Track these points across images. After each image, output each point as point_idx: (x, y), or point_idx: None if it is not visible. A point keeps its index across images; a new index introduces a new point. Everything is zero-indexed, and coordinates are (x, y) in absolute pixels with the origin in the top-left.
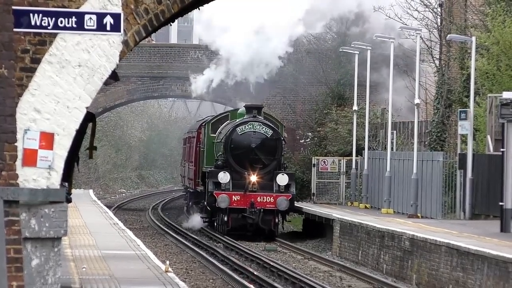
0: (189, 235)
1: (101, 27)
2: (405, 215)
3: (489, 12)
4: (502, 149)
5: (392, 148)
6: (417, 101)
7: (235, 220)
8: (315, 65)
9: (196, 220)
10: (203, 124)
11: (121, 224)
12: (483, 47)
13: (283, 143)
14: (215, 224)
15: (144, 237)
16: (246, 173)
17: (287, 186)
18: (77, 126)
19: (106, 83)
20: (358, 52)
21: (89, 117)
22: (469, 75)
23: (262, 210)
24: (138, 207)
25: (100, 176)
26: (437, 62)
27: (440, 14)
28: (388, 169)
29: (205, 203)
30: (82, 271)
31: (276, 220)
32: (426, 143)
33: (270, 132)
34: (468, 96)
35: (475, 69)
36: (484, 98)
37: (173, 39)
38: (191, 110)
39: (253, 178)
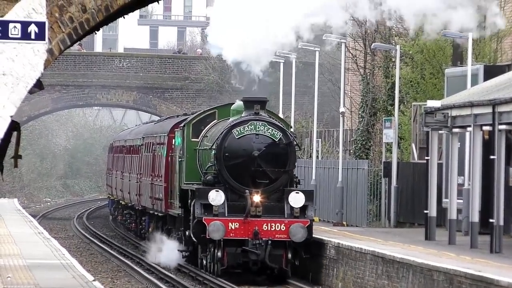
0: (115, 243)
1: (25, 35)
2: (330, 223)
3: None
4: (426, 157)
5: (317, 157)
6: (342, 109)
7: (233, 256)
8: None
9: (170, 254)
10: (180, 125)
11: (46, 233)
12: (407, 56)
13: (297, 149)
14: (203, 261)
15: (69, 246)
16: (247, 191)
17: (303, 209)
18: (1, 135)
19: (30, 92)
20: (283, 61)
21: (14, 126)
22: (393, 83)
23: (269, 242)
24: (63, 216)
25: (25, 185)
26: (362, 70)
27: (364, 23)
28: (313, 177)
29: (189, 232)
30: (7, 281)
31: (289, 255)
32: (351, 151)
33: (278, 134)
34: (392, 105)
35: (400, 78)
36: (409, 107)
37: (98, 48)
38: (116, 119)
39: (257, 198)
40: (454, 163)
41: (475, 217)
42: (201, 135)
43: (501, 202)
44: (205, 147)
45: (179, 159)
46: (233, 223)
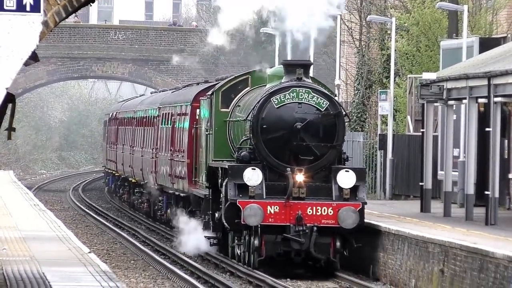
0: (110, 216)
1: (21, 7)
2: None
3: None
4: (422, 130)
5: None
6: (337, 82)
7: (272, 245)
8: (235, 46)
9: (195, 241)
10: (206, 93)
11: (41, 205)
12: (403, 28)
13: (347, 121)
14: (235, 250)
15: (64, 218)
16: (288, 169)
17: (353, 190)
18: None
19: (26, 64)
20: (278, 32)
21: (9, 98)
22: (389, 56)
23: (315, 228)
24: (59, 188)
25: (20, 157)
26: (357, 43)
27: None
28: None
29: (219, 216)
30: (2, 253)
31: (338, 244)
32: (347, 123)
33: (325, 103)
34: (388, 77)
35: (395, 50)
36: (404, 79)
37: (93, 20)
38: (111, 91)
39: (300, 177)
40: (449, 135)
41: (470, 190)
42: (232, 105)
43: (496, 174)
44: (238, 119)
45: (206, 132)
46: (273, 207)
